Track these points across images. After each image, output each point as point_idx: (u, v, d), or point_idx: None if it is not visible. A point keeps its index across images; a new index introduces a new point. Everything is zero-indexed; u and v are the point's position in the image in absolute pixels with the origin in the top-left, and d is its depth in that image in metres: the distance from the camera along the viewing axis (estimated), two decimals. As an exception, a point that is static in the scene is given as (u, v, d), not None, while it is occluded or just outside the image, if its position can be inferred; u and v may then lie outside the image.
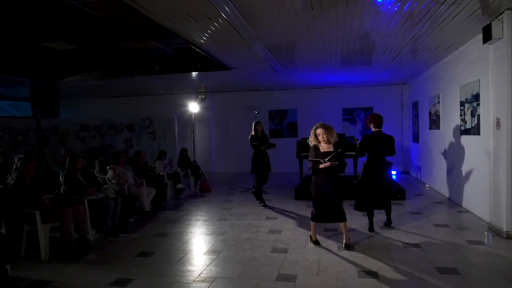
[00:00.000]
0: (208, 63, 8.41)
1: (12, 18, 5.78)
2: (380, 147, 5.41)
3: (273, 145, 7.63)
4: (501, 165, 5.12)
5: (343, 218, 4.76)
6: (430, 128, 9.18)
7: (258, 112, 9.97)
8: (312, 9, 4.86)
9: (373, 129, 5.52)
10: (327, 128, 4.68)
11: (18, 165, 4.82)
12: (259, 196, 7.66)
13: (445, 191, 7.98)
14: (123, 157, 7.01)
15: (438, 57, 7.81)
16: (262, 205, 7.41)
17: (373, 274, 3.91)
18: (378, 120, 5.50)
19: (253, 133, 7.50)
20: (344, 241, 4.81)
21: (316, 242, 4.92)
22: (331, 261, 4.32)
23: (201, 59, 8.34)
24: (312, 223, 4.95)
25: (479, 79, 6.01)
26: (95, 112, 13.35)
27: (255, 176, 7.72)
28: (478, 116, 6.08)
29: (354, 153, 7.38)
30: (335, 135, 4.73)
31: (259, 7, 4.78)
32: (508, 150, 4.97)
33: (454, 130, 7.29)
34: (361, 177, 5.55)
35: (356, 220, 5.99)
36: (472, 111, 6.36)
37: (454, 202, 7.33)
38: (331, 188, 4.70)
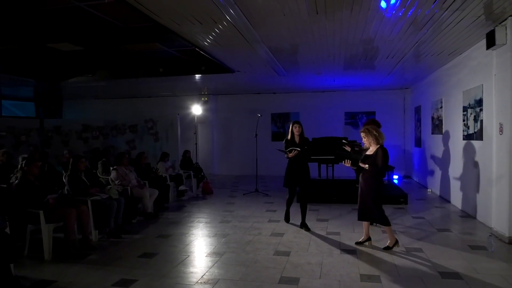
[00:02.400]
0: (212, 65, 8.46)
1: (19, 19, 5.83)
2: None
3: (301, 152, 5.77)
4: (503, 170, 5.12)
5: (377, 221, 4.93)
6: (432, 133, 9.18)
7: (261, 115, 10.02)
8: (317, 13, 4.89)
9: None
10: (366, 132, 4.85)
11: (23, 165, 4.85)
12: (286, 214, 6.34)
13: (447, 196, 7.96)
14: (127, 158, 7.04)
15: (441, 62, 7.83)
16: (286, 221, 6.31)
17: (375, 278, 3.91)
18: (376, 125, 5.94)
19: (288, 136, 5.89)
20: (388, 243, 4.89)
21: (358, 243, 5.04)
22: (333, 265, 4.33)
23: (205, 62, 8.39)
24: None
25: (482, 85, 6.02)
26: (98, 113, 13.41)
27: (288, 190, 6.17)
28: (481, 121, 6.08)
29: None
30: (375, 139, 4.77)
31: (264, 10, 4.81)
32: (511, 155, 4.97)
33: (456, 135, 7.29)
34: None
35: (358, 223, 5.97)
36: (475, 116, 6.36)
37: (456, 207, 7.32)
38: (361, 187, 4.94)
